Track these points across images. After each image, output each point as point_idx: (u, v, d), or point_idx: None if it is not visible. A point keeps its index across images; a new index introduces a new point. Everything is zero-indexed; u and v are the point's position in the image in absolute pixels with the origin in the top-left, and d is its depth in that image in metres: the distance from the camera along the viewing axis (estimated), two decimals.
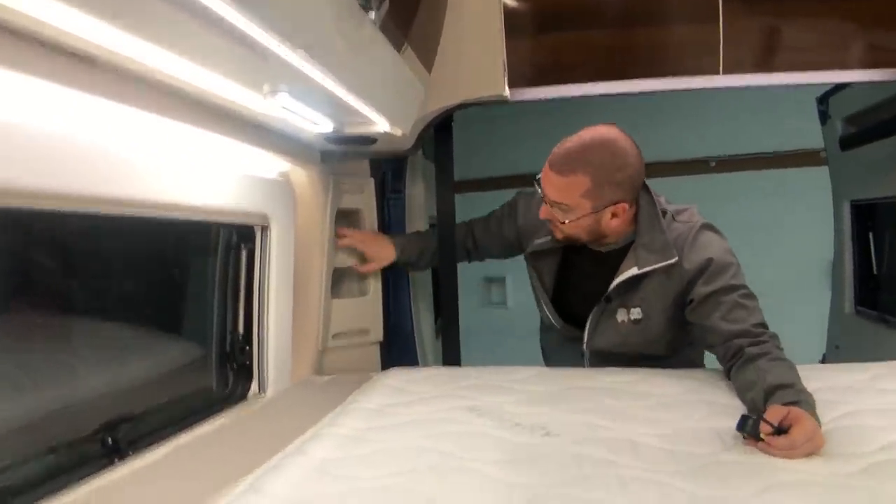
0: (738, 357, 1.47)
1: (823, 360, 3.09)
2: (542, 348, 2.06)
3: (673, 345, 1.75)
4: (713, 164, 4.20)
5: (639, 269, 1.60)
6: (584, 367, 1.79)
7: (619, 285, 1.63)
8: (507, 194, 4.80)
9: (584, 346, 1.76)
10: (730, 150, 4.24)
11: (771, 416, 1.16)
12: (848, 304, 2.98)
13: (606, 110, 3.80)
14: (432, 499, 0.98)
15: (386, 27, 1.35)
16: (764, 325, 1.51)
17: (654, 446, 1.18)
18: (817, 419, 1.21)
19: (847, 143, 2.91)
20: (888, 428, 1.26)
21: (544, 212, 1.63)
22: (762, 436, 1.15)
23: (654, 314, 1.65)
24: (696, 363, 1.86)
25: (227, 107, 1.27)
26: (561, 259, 1.77)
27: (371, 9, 1.26)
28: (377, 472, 1.10)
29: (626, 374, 1.66)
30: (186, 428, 1.37)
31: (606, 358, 1.75)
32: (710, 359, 1.74)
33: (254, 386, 1.67)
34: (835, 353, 3.05)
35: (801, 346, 3.16)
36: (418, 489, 1.01)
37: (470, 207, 3.97)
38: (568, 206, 1.58)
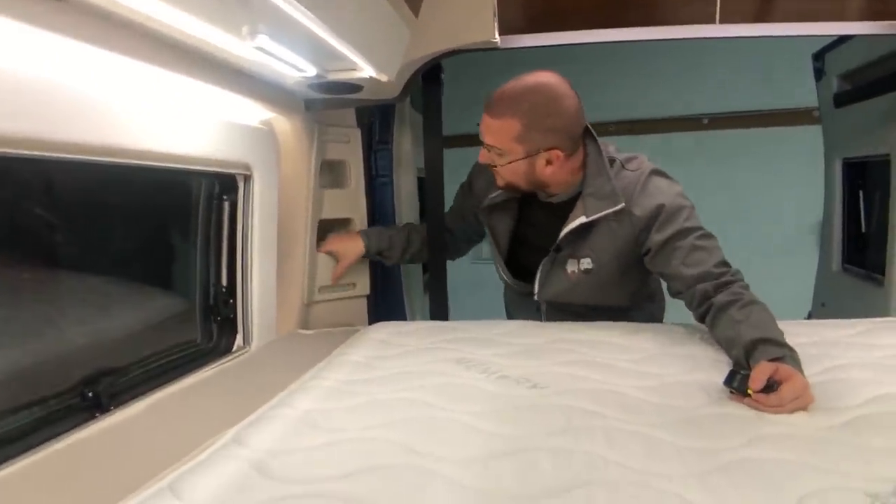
0: (707, 305, 1.46)
1: (809, 318, 3.11)
2: (505, 305, 2.08)
3: (631, 297, 1.75)
4: (706, 121, 4.17)
5: (587, 217, 1.58)
6: (541, 321, 1.79)
7: (567, 234, 1.62)
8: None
9: (535, 297, 1.76)
10: (723, 107, 4.19)
11: (759, 373, 1.16)
12: (835, 261, 2.99)
13: (599, 66, 3.74)
14: (415, 449, 0.98)
15: None
16: (726, 264, 1.50)
17: (639, 398, 1.18)
18: (802, 374, 1.21)
19: (841, 100, 2.87)
20: (874, 382, 1.27)
21: (483, 155, 1.63)
22: (750, 392, 1.15)
23: (605, 263, 1.64)
24: (655, 317, 1.86)
25: (206, 51, 1.22)
26: (516, 214, 1.77)
27: None
28: (361, 424, 1.09)
29: (609, 328, 1.66)
30: (170, 381, 1.36)
31: (562, 309, 1.75)
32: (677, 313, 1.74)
33: (238, 339, 1.66)
34: (821, 310, 3.07)
35: (789, 302, 3.19)
36: (402, 440, 1.01)
37: (459, 162, 3.93)
38: (501, 149, 1.58)
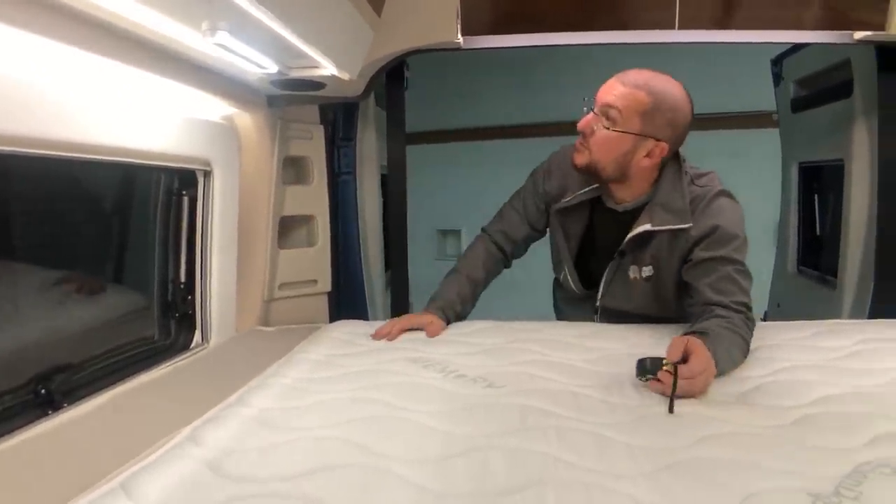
0: (703, 310, 1.50)
1: (765, 318, 3.18)
2: (557, 310, 2.03)
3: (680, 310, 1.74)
4: None
5: (652, 225, 1.57)
6: None
7: (631, 240, 1.61)
8: (465, 147, 4.71)
9: (598, 302, 1.74)
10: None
11: (674, 345, 1.22)
12: (791, 263, 3.07)
13: (567, 67, 3.77)
14: (370, 448, 0.98)
15: None
16: (748, 307, 1.52)
17: (594, 398, 1.20)
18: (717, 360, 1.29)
19: (798, 105, 2.94)
20: (820, 383, 1.31)
21: (585, 122, 1.56)
22: (665, 365, 1.19)
23: (664, 272, 1.64)
24: None
25: (164, 45, 1.21)
26: (587, 220, 1.72)
27: None
28: (316, 423, 1.09)
29: (577, 327, 1.68)
30: (126, 378, 1.34)
31: (618, 318, 1.74)
32: None
33: (197, 336, 1.65)
34: (776, 310, 3.14)
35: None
36: (355, 439, 1.01)
37: (424, 160, 3.92)
38: (619, 111, 1.52)
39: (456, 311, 1.75)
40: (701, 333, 1.35)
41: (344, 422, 1.09)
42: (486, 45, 1.77)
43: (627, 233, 1.61)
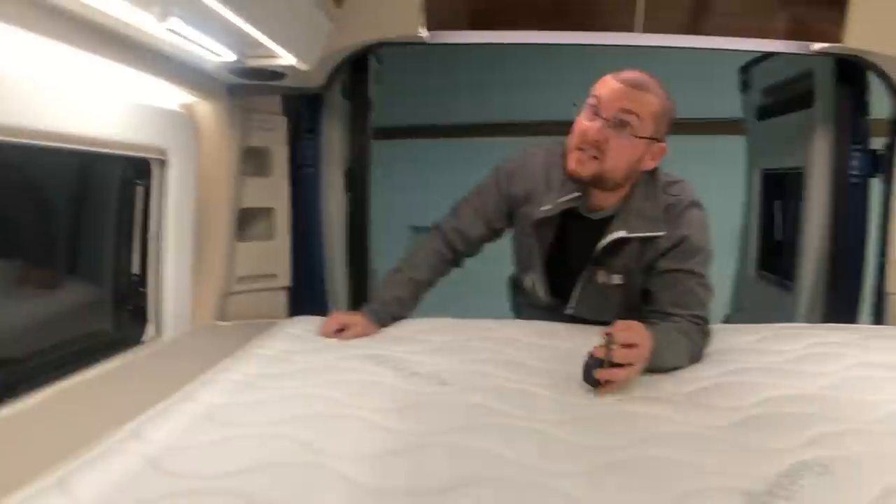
0: (659, 315, 1.53)
1: (727, 320, 3.24)
2: (517, 309, 2.00)
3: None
4: None
5: (627, 232, 1.56)
6: None
7: (604, 247, 1.59)
8: (440, 144, 4.68)
9: (569, 311, 1.72)
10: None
11: (618, 325, 1.25)
12: (751, 267, 3.13)
13: (542, 66, 3.79)
14: (313, 446, 0.97)
15: None
16: (705, 319, 1.54)
17: (544, 396, 1.21)
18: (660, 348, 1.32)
19: (763, 113, 3.00)
20: (768, 385, 1.33)
21: (598, 130, 1.47)
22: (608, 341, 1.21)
23: (634, 280, 1.64)
24: None
25: (117, 29, 1.18)
26: (557, 226, 1.67)
27: None
28: (262, 419, 1.08)
29: (533, 326, 1.69)
30: (75, 372, 1.32)
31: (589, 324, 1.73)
32: None
33: (150, 329, 1.62)
34: (738, 313, 3.20)
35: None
36: (301, 436, 1.00)
37: (399, 156, 3.91)
38: (638, 116, 1.47)
39: (392, 313, 1.70)
40: (650, 323, 1.37)
41: (289, 419, 1.08)
42: (452, 41, 1.76)
43: (599, 240, 1.59)
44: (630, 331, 1.24)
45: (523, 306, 1.95)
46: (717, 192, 3.88)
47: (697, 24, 1.77)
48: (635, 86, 1.48)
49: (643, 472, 0.92)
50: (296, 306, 2.11)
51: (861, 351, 1.59)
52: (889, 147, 2.17)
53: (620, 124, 1.47)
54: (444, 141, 4.69)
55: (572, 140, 1.52)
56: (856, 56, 1.90)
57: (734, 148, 3.56)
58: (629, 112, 1.47)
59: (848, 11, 1.73)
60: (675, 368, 1.41)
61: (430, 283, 1.77)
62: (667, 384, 1.33)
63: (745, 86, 3.18)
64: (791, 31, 1.82)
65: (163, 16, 1.08)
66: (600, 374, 1.21)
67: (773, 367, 1.48)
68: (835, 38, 1.79)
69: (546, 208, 1.61)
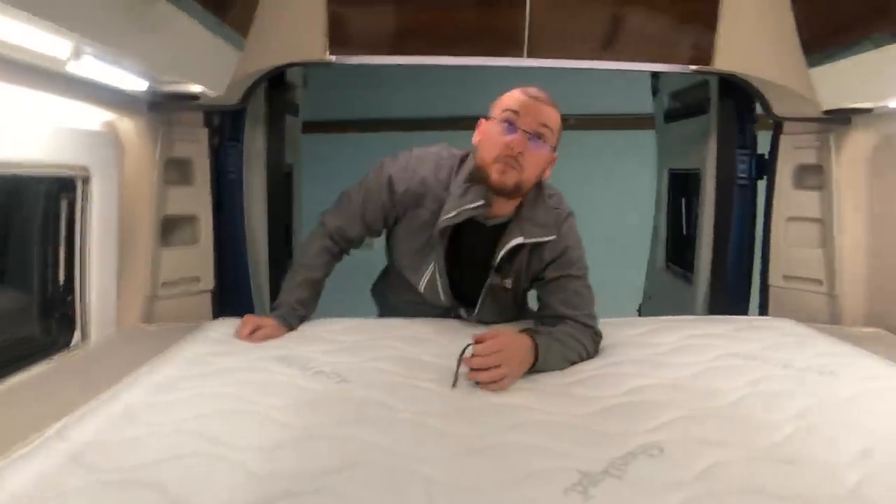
0: (553, 320, 1.67)
1: (639, 310, 3.46)
2: (394, 306, 2.03)
3: (520, 315, 1.90)
4: (572, 121, 4.47)
5: (524, 238, 1.65)
6: None
7: (503, 254, 1.68)
8: (373, 137, 4.72)
9: (473, 317, 1.83)
10: (591, 109, 4.53)
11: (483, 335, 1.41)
12: (660, 260, 3.35)
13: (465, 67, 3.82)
14: (218, 439, 1.10)
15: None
16: (594, 317, 1.70)
17: (431, 390, 1.35)
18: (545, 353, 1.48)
19: (669, 116, 3.21)
20: (638, 375, 1.49)
21: (519, 143, 1.57)
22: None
23: (520, 283, 1.77)
24: None
25: (37, 64, 1.26)
26: (451, 232, 1.71)
27: None
28: (176, 417, 1.19)
29: (433, 324, 1.82)
30: (4, 377, 1.38)
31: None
32: None
33: (77, 334, 1.70)
34: (648, 303, 3.42)
35: (631, 293, 3.53)
36: (206, 431, 1.12)
37: (332, 150, 3.97)
38: (552, 130, 1.60)
39: (298, 315, 1.80)
40: (535, 331, 1.53)
41: (200, 415, 1.20)
42: (356, 62, 1.88)
43: (494, 247, 1.69)
44: (493, 340, 1.39)
45: (404, 305, 1.96)
46: (641, 186, 4.13)
47: (574, 49, 1.94)
48: (548, 102, 1.61)
49: (498, 456, 1.07)
50: (222, 308, 2.21)
51: (729, 342, 1.75)
52: (771, 153, 2.39)
53: (538, 136, 1.58)
54: (380, 135, 4.77)
55: (493, 151, 1.58)
56: (731, 74, 2.11)
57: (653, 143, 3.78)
58: (545, 126, 1.59)
59: (717, 37, 1.93)
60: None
61: (324, 280, 1.86)
62: (547, 377, 1.48)
63: (655, 90, 3.39)
64: (669, 55, 2.01)
65: (76, 56, 1.18)
66: (471, 375, 1.39)
67: (647, 359, 1.63)
68: (709, 60, 1.99)
69: (450, 215, 1.64)
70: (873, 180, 2.09)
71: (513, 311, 1.87)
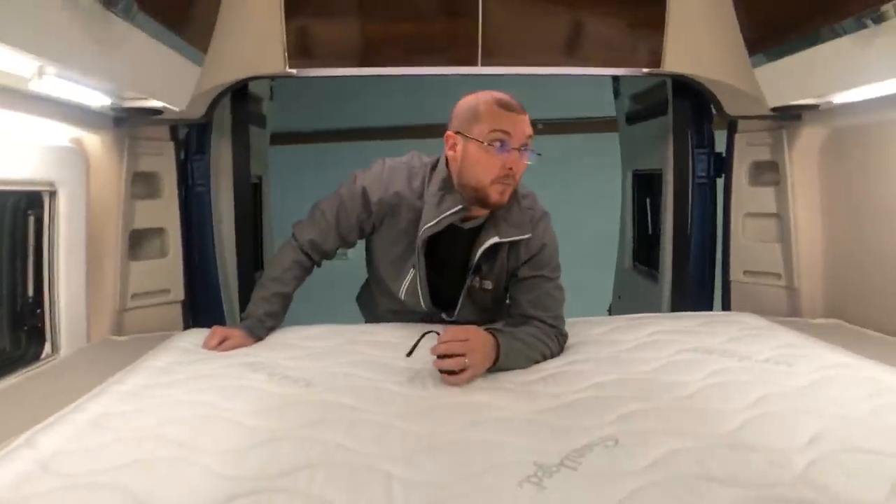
0: (521, 319, 1.71)
1: (610, 309, 3.52)
2: (376, 314, 2.03)
3: (501, 315, 1.92)
4: (541, 126, 4.54)
5: (500, 238, 1.67)
6: None
7: (480, 255, 1.70)
8: (346, 147, 4.75)
9: (452, 319, 1.83)
10: (558, 114, 4.61)
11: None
12: (627, 259, 3.41)
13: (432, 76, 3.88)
14: (185, 444, 1.13)
15: (140, 18, 1.40)
16: (561, 319, 1.74)
17: (394, 392, 1.39)
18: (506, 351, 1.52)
19: (631, 118, 3.28)
20: (597, 372, 1.52)
21: (516, 162, 1.60)
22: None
23: (499, 283, 1.79)
24: None
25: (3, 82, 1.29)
26: (429, 238, 1.72)
27: (114, 5, 1.30)
28: (144, 424, 1.22)
29: (403, 328, 1.84)
30: None
31: None
32: None
33: (47, 347, 1.71)
34: (618, 302, 3.48)
35: (603, 292, 3.59)
36: (173, 436, 1.15)
37: (305, 160, 4.00)
38: (531, 138, 1.62)
39: (266, 327, 1.81)
40: (498, 330, 1.57)
41: (168, 422, 1.22)
42: (317, 75, 1.92)
43: (471, 249, 1.71)
44: (459, 328, 1.45)
45: (387, 314, 1.98)
46: (609, 188, 4.20)
47: (528, 56, 1.99)
48: (523, 110, 1.62)
49: (458, 452, 1.10)
50: (194, 319, 2.23)
51: (692, 337, 1.80)
52: (727, 152, 2.46)
53: (525, 148, 1.61)
54: (353, 144, 4.82)
55: (490, 174, 1.59)
56: (681, 76, 2.17)
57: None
58: (529, 136, 1.62)
59: (665, 40, 2.00)
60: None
61: (294, 291, 1.86)
62: (511, 375, 1.52)
63: (616, 92, 3.46)
64: (623, 59, 2.08)
65: (40, 74, 1.21)
66: (436, 363, 1.45)
67: (610, 356, 1.67)
68: (660, 62, 2.06)
69: (431, 224, 1.66)
70: (826, 174, 2.15)
71: (493, 311, 1.90)
